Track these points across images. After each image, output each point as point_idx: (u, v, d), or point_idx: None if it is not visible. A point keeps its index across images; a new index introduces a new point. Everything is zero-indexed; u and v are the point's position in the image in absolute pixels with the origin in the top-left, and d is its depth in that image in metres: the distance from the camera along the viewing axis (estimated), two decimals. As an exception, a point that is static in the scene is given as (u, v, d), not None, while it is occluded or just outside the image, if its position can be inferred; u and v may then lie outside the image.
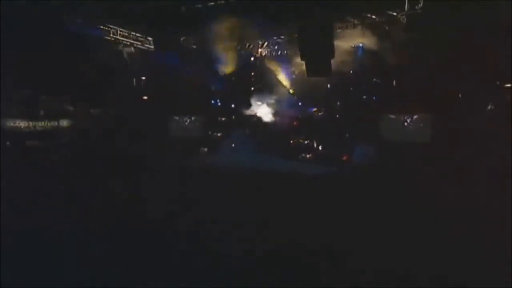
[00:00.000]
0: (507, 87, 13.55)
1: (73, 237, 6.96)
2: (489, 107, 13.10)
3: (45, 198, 9.41)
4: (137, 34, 16.53)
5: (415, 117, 14.68)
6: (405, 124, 14.86)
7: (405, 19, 12.65)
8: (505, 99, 13.03)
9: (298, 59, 14.04)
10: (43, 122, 14.47)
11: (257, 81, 16.70)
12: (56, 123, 14.92)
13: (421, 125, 14.73)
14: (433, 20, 12.10)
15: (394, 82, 14.39)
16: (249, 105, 16.81)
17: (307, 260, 6.87)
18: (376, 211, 9.64)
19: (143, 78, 17.78)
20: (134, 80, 17.56)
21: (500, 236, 8.02)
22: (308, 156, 15.48)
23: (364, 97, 15.66)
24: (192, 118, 17.60)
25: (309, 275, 6.41)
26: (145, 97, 17.65)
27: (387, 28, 13.58)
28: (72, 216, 8.17)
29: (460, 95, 13.84)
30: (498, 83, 13.74)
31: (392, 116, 14.96)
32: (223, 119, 17.62)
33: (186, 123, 17.82)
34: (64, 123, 15.42)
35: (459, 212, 9.23)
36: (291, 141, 16.01)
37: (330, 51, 12.61)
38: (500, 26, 11.18)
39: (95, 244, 6.79)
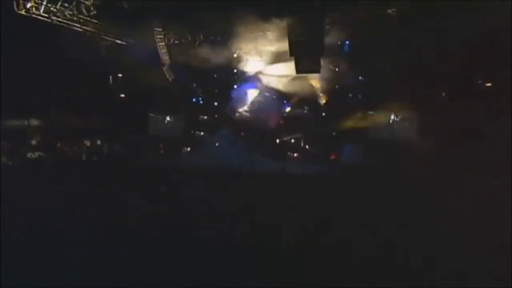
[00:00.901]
0: (490, 86, 13.85)
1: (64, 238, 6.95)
2: (474, 105, 13.25)
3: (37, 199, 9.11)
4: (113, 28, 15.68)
5: (400, 115, 14.81)
6: (391, 122, 14.96)
7: (394, 17, 12.57)
8: (491, 98, 13.26)
9: (285, 56, 13.81)
10: (13, 121, 13.46)
11: (241, 78, 16.23)
12: (27, 122, 13.95)
13: (407, 123, 14.90)
14: (422, 18, 12.14)
15: (381, 80, 14.32)
16: (233, 103, 16.35)
17: (296, 257, 6.82)
18: (364, 209, 9.65)
19: (120, 75, 16.95)
20: (111, 77, 16.72)
21: (494, 233, 8.11)
22: (295, 155, 15.32)
23: (350, 95, 15.59)
24: (173, 117, 16.99)
25: (300, 273, 6.26)
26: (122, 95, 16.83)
27: (375, 25, 13.46)
28: (59, 218, 8.01)
29: (446, 94, 14.00)
30: (480, 82, 14.03)
31: (379, 115, 15.04)
32: (205, 117, 17.10)
33: (165, 122, 17.16)
34: (35, 122, 14.50)
35: (447, 210, 9.32)
36: (278, 140, 15.82)
37: (320, 47, 12.49)
38: (486, 26, 11.29)
39: (88, 245, 6.75)
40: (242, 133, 16.29)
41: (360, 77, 15.41)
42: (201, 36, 15.51)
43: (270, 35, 14.51)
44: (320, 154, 15.16)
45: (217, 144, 16.04)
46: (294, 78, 14.94)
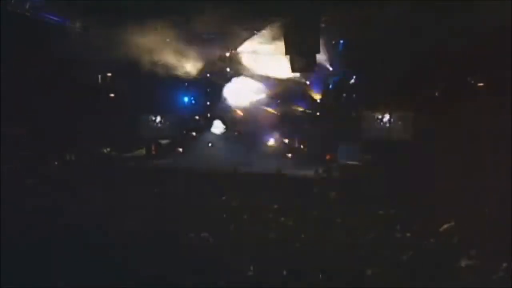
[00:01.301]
0: (482, 86, 13.91)
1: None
2: (469, 105, 13.30)
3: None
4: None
5: (396, 115, 14.83)
6: (386, 122, 14.97)
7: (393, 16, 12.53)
8: (484, 97, 13.31)
9: (279, 54, 13.68)
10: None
11: (234, 77, 16.05)
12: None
13: (400, 123, 14.93)
14: (417, 18, 12.13)
15: (377, 80, 14.31)
16: (225, 103, 16.18)
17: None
18: (359, 208, 9.66)
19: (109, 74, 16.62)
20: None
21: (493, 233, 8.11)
22: (289, 155, 15.29)
23: (344, 95, 15.55)
24: (164, 117, 16.70)
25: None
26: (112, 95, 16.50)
27: (373, 25, 13.44)
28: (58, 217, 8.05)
29: (441, 93, 14.04)
30: (473, 81, 14.07)
31: (374, 114, 15.03)
32: (197, 117, 16.89)
33: (156, 122, 16.86)
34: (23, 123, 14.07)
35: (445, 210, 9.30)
36: (273, 140, 15.72)
37: (315, 46, 12.42)
38: (483, 26, 11.33)
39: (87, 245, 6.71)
40: (236, 133, 16.19)
41: (355, 77, 15.36)
42: (195, 35, 15.30)
43: (265, 33, 14.40)
44: (315, 154, 15.09)
45: (210, 145, 15.93)
46: (289, 77, 14.86)
